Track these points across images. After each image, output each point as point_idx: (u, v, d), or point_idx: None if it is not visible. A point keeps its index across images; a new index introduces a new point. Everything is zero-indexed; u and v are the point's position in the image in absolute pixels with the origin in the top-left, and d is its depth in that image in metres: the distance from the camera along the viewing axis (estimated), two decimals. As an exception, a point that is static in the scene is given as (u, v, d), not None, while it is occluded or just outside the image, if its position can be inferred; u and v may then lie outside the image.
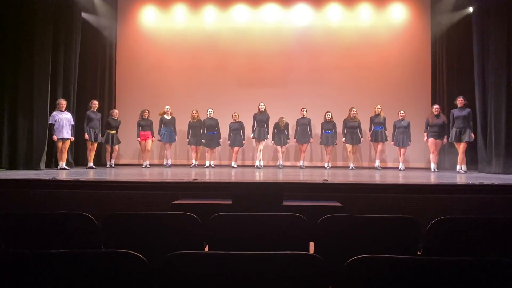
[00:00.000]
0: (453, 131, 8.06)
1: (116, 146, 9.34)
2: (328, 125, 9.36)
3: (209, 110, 9.40)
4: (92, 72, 9.94)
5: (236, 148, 9.33)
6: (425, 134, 8.63)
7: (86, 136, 8.59)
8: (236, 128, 9.36)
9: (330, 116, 9.38)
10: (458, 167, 8.04)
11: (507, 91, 7.44)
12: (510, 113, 7.37)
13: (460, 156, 8.02)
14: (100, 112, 9.28)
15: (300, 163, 9.38)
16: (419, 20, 10.21)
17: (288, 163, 9.89)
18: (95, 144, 8.77)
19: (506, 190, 4.90)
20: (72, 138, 8.32)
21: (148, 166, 9.23)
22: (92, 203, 4.74)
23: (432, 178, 6.65)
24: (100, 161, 9.69)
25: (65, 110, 8.17)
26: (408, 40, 10.17)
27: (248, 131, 9.53)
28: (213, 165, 9.35)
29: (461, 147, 8.00)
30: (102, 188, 5.01)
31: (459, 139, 7.98)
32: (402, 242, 2.35)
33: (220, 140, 9.48)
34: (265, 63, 10.32)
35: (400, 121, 8.98)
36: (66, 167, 8.14)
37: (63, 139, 8.08)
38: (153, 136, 9.45)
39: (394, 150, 9.44)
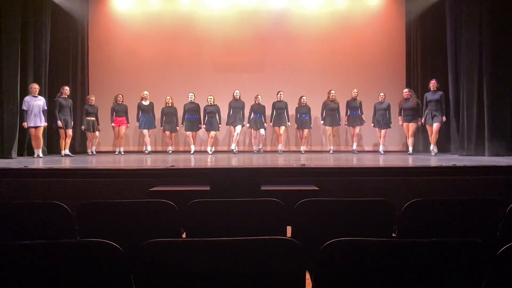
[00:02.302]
0: (426, 114, 8.24)
1: (96, 133, 9.09)
2: (303, 109, 9.39)
3: (190, 94, 9.25)
4: (64, 57, 9.66)
5: (212, 133, 9.26)
6: (400, 118, 8.79)
7: (59, 123, 8.33)
8: (212, 111, 9.25)
9: (305, 100, 9.40)
10: (431, 147, 8.24)
11: (479, 74, 7.59)
12: (481, 96, 7.53)
13: (434, 136, 8.20)
14: (73, 98, 9.05)
15: (279, 147, 9.38)
16: (394, 4, 10.27)
17: (266, 148, 9.89)
18: (69, 131, 8.47)
19: (478, 172, 5.04)
20: (46, 124, 8.06)
21: (122, 153, 9.09)
22: (67, 192, 4.66)
23: (407, 161, 6.78)
24: (79, 149, 9.55)
25: (38, 95, 7.93)
26: (383, 24, 10.23)
27: (224, 115, 9.43)
28: (192, 152, 9.24)
29: (434, 128, 8.19)
30: (77, 176, 4.92)
31: (431, 122, 8.17)
32: (377, 224, 2.39)
33: (200, 125, 9.37)
34: (241, 47, 10.22)
35: (380, 104, 9.05)
36: (41, 156, 7.91)
37: (36, 127, 7.83)
38: (128, 122, 9.27)
39: (373, 134, 9.55)
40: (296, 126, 9.50)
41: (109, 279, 1.50)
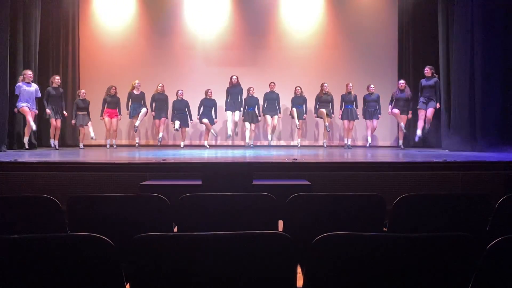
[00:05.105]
0: (420, 100, 8.22)
1: (85, 128, 8.94)
2: (299, 100, 9.34)
3: (179, 91, 9.16)
4: (54, 48, 9.54)
5: (208, 127, 9.20)
6: (390, 106, 8.78)
7: (48, 112, 8.21)
8: (209, 106, 9.20)
9: (300, 90, 9.33)
10: (418, 131, 8.11)
11: (470, 67, 7.60)
12: (472, 92, 7.56)
13: (427, 121, 8.06)
14: (64, 89, 8.92)
15: (269, 138, 9.29)
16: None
17: (258, 142, 9.89)
18: (58, 122, 8.37)
19: (468, 167, 5.08)
20: (36, 112, 7.95)
21: (115, 146, 9.00)
22: (57, 186, 4.62)
23: (398, 156, 6.82)
24: (70, 143, 9.48)
25: (31, 81, 7.79)
26: (375, 16, 10.18)
27: (219, 109, 9.39)
28: (182, 145, 9.19)
29: (427, 113, 8.05)
30: (67, 169, 4.88)
31: (425, 107, 8.10)
32: (369, 218, 2.40)
33: (191, 121, 9.32)
34: (233, 41, 10.19)
35: (370, 95, 9.05)
36: (27, 147, 7.76)
37: (29, 108, 7.67)
38: (119, 114, 9.14)
39: (365, 129, 9.53)
40: (291, 116, 9.42)
41: (100, 274, 1.50)
